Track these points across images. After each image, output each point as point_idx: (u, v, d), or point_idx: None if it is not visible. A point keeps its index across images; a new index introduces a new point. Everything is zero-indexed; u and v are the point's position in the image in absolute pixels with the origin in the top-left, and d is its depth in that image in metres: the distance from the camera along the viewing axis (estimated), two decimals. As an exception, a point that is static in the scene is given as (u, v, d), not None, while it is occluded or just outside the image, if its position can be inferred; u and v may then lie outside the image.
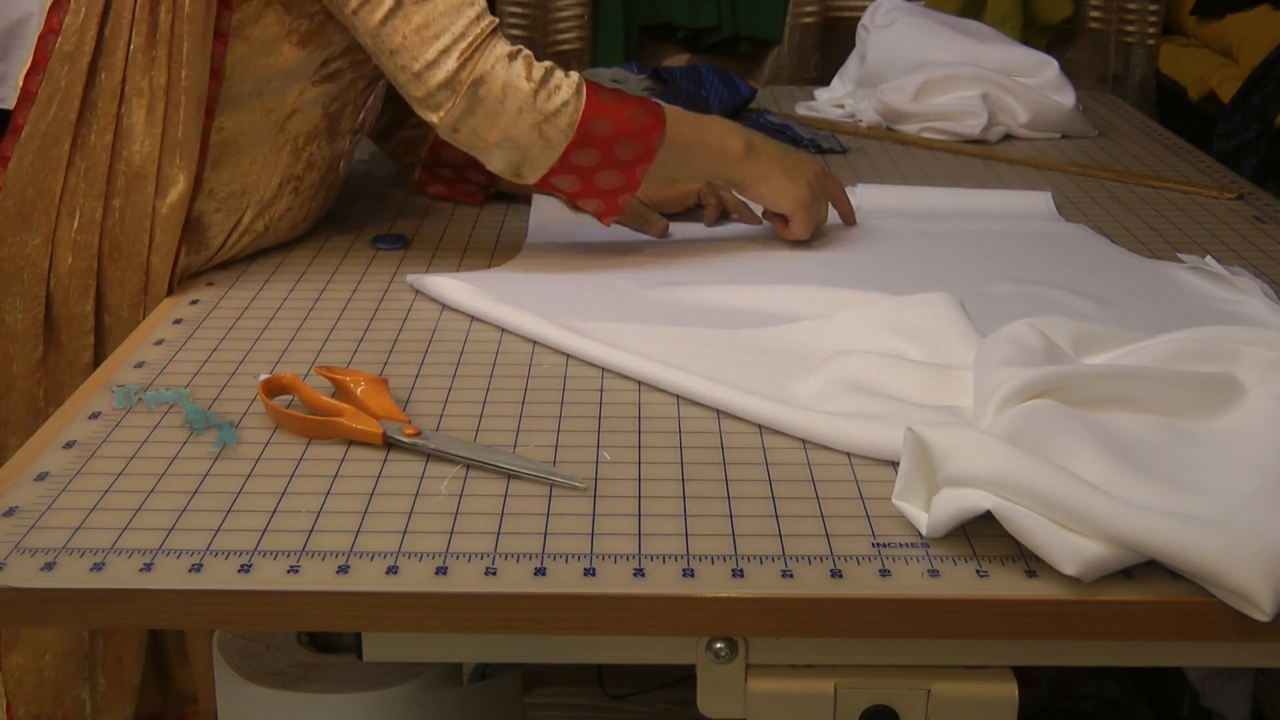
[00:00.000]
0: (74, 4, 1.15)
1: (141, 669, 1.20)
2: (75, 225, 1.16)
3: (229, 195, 1.22)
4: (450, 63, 1.10)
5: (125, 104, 1.16)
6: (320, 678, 1.00)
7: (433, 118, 1.13)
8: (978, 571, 0.78)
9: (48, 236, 1.17)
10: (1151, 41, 2.62)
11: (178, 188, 1.17)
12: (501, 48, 1.12)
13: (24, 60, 1.17)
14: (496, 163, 1.16)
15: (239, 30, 1.16)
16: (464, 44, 1.11)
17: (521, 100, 1.12)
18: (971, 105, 1.78)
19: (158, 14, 1.15)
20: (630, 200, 1.22)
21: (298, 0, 1.17)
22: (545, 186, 1.18)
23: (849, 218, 1.38)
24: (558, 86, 1.13)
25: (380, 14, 1.11)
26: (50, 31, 1.16)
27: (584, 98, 1.14)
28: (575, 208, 1.27)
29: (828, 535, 0.82)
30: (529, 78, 1.12)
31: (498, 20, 1.13)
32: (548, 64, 1.14)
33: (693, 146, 1.22)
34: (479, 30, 1.11)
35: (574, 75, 1.15)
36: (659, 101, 1.20)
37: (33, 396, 1.19)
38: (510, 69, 1.12)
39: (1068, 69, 2.02)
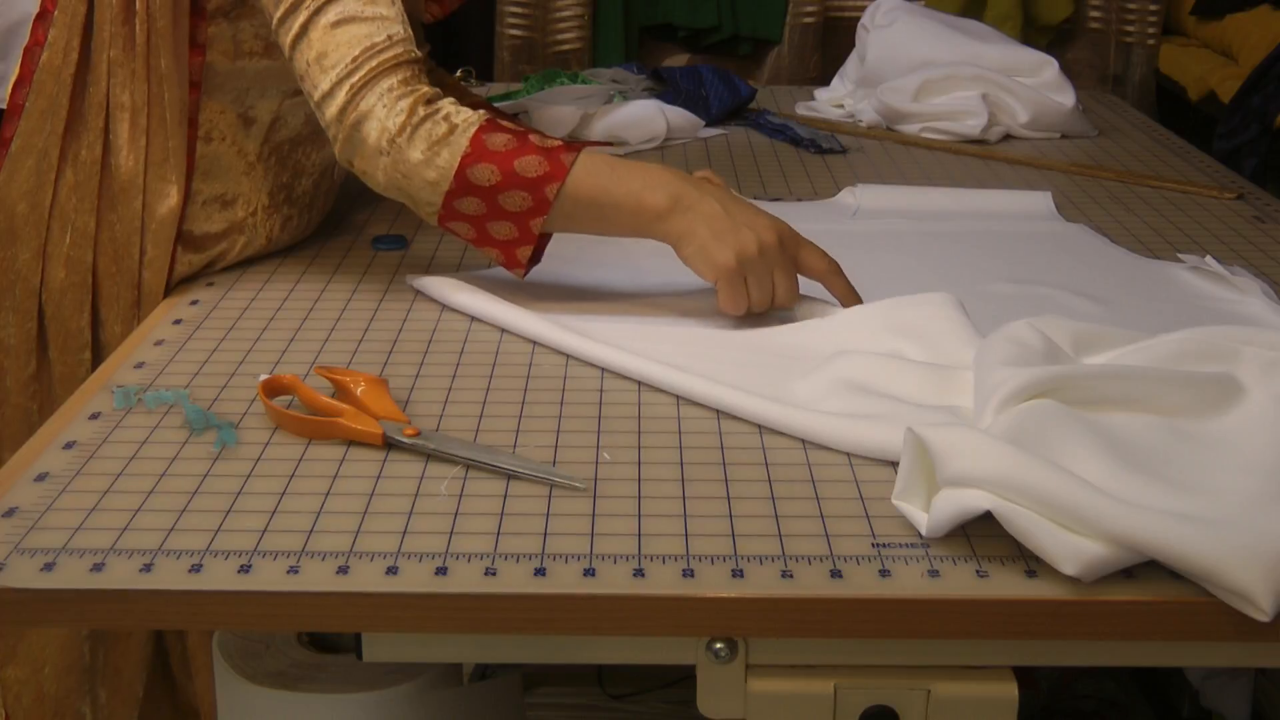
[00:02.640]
0: (58, 16, 1.14)
1: (143, 681, 1.20)
2: (68, 240, 1.16)
3: (222, 206, 1.21)
4: (340, 97, 1.07)
5: (111, 117, 1.15)
6: (320, 678, 1.00)
7: (334, 150, 1.11)
8: (978, 571, 0.78)
9: (38, 251, 1.16)
10: (1151, 41, 2.62)
11: (169, 201, 1.16)
12: (391, 85, 1.07)
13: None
14: (396, 199, 1.12)
15: (214, 42, 1.15)
16: (355, 79, 1.06)
17: (393, 144, 1.06)
18: (971, 105, 1.78)
19: (132, 26, 1.14)
20: (531, 254, 1.12)
21: (258, 14, 1.15)
22: (445, 230, 1.11)
23: (847, 298, 1.12)
24: (433, 130, 1.06)
25: (289, 39, 1.09)
26: (35, 44, 1.15)
27: (465, 143, 1.06)
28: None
29: (828, 535, 0.82)
30: (409, 120, 1.06)
31: (409, 53, 1.08)
32: (440, 104, 1.08)
33: (599, 201, 1.08)
34: (375, 64, 1.06)
35: (467, 118, 1.08)
36: (582, 150, 1.10)
37: (27, 411, 1.19)
38: (391, 109, 1.06)
39: (1068, 69, 2.02)
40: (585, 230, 1.12)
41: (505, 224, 1.09)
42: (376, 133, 1.06)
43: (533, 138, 1.09)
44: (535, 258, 1.14)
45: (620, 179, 1.09)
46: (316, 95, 1.08)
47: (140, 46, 1.13)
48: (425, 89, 1.08)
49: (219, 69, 1.17)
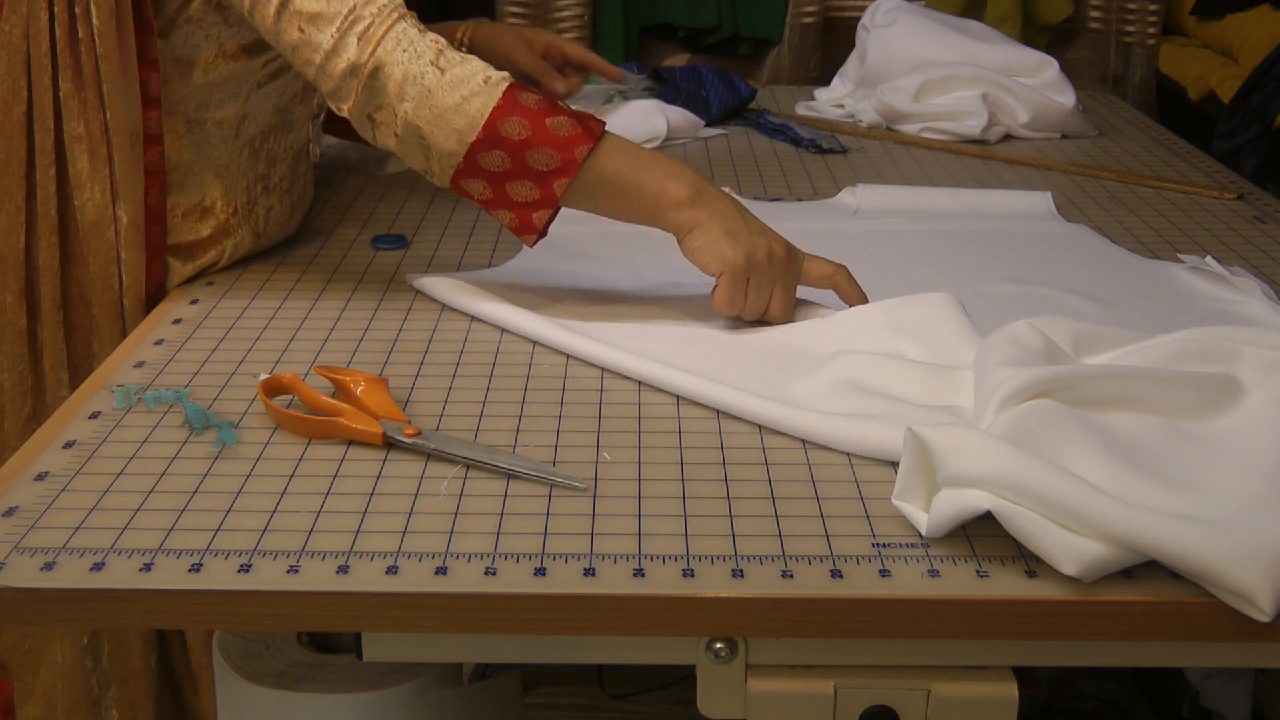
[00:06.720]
0: (1, 54, 1.11)
1: (155, 709, 1.20)
2: (44, 280, 1.15)
3: (201, 215, 1.20)
4: (350, 49, 1.04)
5: (67, 152, 1.12)
6: (320, 678, 1.00)
7: (343, 109, 1.07)
8: (978, 571, 0.78)
9: (20, 293, 1.15)
10: (1151, 41, 2.62)
11: (124, 225, 1.14)
12: (405, 29, 1.05)
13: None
14: (408, 157, 1.08)
15: (169, 55, 1.13)
16: (360, 26, 1.04)
17: (419, 86, 1.05)
18: (971, 105, 1.78)
19: (79, 55, 1.10)
20: (548, 219, 1.10)
21: (207, 19, 1.13)
22: (456, 190, 1.09)
23: (857, 301, 1.12)
24: (467, 79, 1.05)
25: (271, 11, 1.06)
26: None
27: (499, 95, 1.05)
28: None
29: (828, 535, 0.82)
30: (438, 63, 1.05)
31: (404, 8, 1.07)
32: (470, 57, 1.07)
33: (622, 179, 1.08)
34: (375, 9, 1.05)
35: (500, 74, 1.07)
36: (604, 125, 1.09)
37: None
38: (412, 53, 1.05)
39: (1068, 69, 2.02)
40: (598, 209, 1.11)
41: (526, 184, 1.07)
42: (399, 77, 1.05)
43: (561, 104, 1.08)
44: (542, 231, 1.11)
45: (645, 163, 1.09)
46: (319, 57, 1.05)
47: (89, 75, 1.10)
48: (439, 38, 1.07)
49: (174, 84, 1.14)
